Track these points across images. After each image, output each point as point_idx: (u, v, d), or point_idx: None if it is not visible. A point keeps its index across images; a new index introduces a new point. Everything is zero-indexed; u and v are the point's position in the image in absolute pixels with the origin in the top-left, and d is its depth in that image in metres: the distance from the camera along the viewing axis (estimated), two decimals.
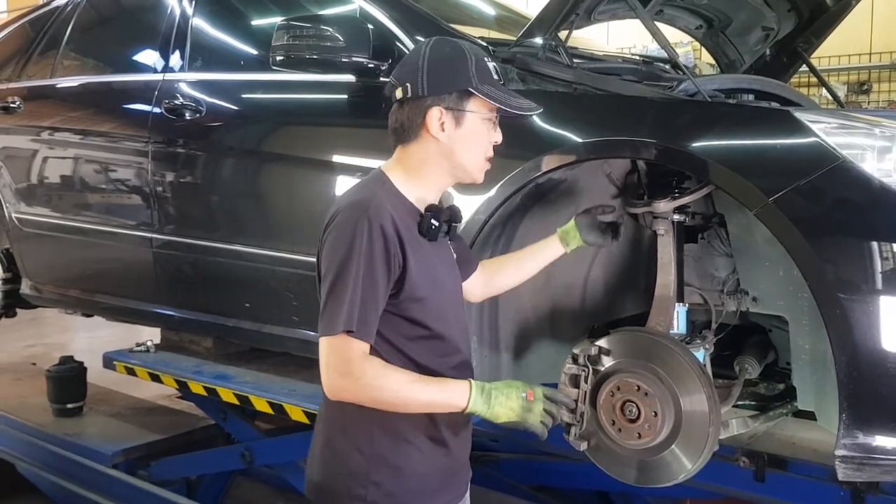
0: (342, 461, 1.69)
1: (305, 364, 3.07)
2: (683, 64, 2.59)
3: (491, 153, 1.72)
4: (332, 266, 1.58)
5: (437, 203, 1.73)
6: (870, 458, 1.80)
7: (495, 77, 1.70)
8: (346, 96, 2.71)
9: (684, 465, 2.05)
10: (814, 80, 4.21)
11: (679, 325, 2.24)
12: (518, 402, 1.61)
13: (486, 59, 1.69)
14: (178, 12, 3.26)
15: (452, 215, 1.72)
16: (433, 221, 1.66)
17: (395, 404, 1.61)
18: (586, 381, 2.11)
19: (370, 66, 2.50)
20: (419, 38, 2.49)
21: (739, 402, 2.46)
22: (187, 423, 3.81)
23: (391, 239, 1.58)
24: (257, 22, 3.25)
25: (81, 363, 3.98)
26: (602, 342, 2.14)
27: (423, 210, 1.70)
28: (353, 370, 1.56)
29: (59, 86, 3.81)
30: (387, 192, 1.67)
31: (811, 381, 2.15)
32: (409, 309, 1.65)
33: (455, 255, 1.84)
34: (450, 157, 1.68)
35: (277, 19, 2.56)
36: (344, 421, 1.70)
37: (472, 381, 1.62)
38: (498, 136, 1.72)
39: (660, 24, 2.76)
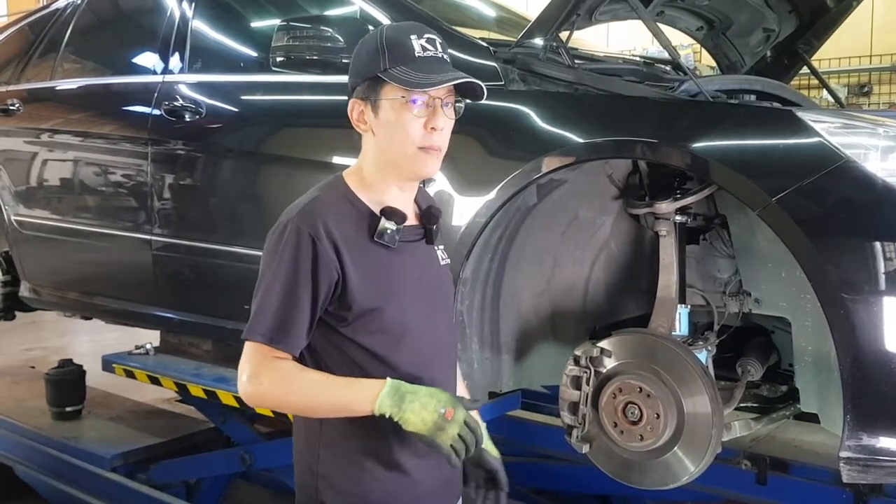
0: (301, 473, 1.65)
1: None
2: (685, 65, 2.58)
3: (429, 141, 1.51)
4: (260, 273, 1.54)
5: (400, 204, 1.57)
6: (874, 459, 1.79)
7: (420, 53, 1.51)
8: (346, 97, 2.69)
9: (687, 467, 2.04)
10: (814, 81, 4.21)
11: (681, 326, 2.24)
12: (433, 416, 1.44)
13: (412, 36, 1.52)
14: (177, 14, 3.25)
15: (405, 217, 1.56)
16: (387, 226, 1.52)
17: (301, 409, 1.57)
18: (588, 383, 2.11)
19: None
20: None
21: (742, 405, 2.45)
22: (186, 426, 3.79)
23: (322, 245, 1.47)
24: (257, 23, 3.24)
25: (80, 366, 3.96)
26: (604, 344, 2.13)
27: (378, 213, 1.55)
28: (258, 374, 1.50)
29: (58, 88, 3.80)
30: (335, 195, 1.56)
31: (814, 383, 2.14)
32: (368, 323, 1.52)
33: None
34: (382, 151, 1.54)
35: (277, 21, 2.54)
36: (302, 432, 1.65)
37: (390, 380, 1.47)
38: (438, 122, 1.51)
39: (661, 26, 2.75)
